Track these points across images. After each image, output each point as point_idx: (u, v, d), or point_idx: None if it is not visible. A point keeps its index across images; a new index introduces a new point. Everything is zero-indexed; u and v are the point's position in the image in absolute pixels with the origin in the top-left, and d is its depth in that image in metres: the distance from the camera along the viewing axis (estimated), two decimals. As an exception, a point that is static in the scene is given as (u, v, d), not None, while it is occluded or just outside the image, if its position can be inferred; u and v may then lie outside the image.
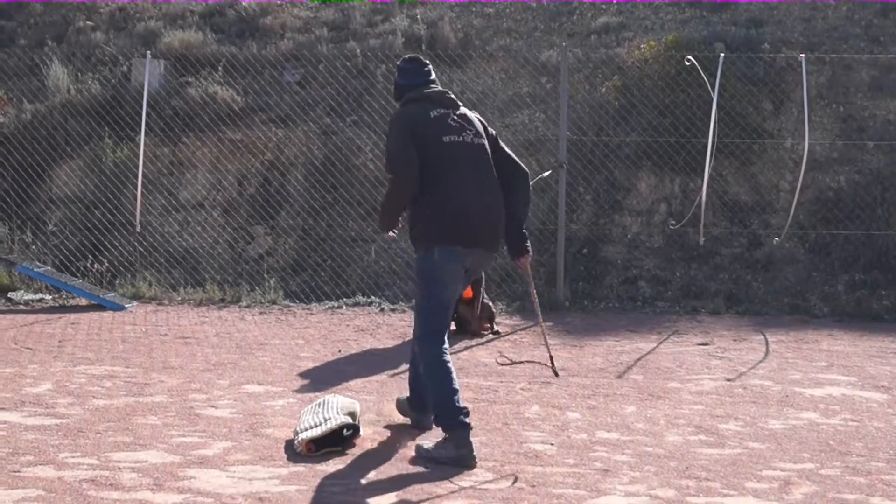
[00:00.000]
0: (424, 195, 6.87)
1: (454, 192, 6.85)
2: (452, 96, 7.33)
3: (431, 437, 6.80)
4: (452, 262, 6.84)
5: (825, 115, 15.41)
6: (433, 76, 7.38)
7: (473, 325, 11.40)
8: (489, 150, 7.14)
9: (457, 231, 6.82)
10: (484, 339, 11.18)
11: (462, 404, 6.59)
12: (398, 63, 7.39)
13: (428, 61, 7.41)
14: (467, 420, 6.54)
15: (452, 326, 11.50)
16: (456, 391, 6.64)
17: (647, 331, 11.92)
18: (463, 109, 7.29)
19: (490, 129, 7.35)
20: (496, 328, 11.61)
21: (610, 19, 17.69)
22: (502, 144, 7.30)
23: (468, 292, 11.21)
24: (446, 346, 6.84)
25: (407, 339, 11.32)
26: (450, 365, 6.75)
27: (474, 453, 6.45)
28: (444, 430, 6.57)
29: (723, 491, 5.90)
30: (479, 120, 7.31)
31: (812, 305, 13.44)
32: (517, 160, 7.29)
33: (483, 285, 11.49)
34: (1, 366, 9.28)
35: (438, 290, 6.87)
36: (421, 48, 16.81)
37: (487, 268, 6.71)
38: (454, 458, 6.41)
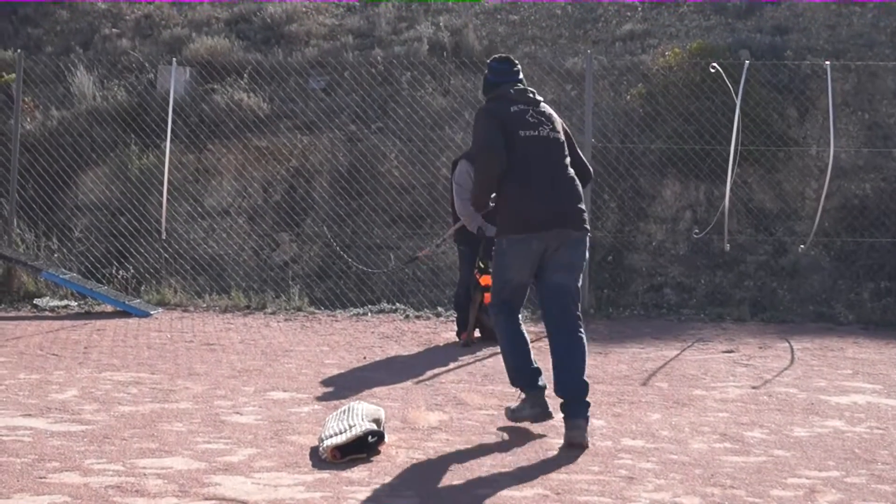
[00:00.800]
0: (501, 184, 7.41)
1: (525, 183, 7.34)
2: (534, 94, 7.72)
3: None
4: (518, 247, 7.38)
5: (850, 122, 15.36)
6: (521, 76, 7.81)
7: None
8: (564, 145, 7.58)
9: (523, 222, 7.34)
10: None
11: (535, 365, 7.49)
12: (489, 61, 7.97)
13: (517, 62, 7.89)
14: (541, 382, 7.42)
15: (477, 333, 11.52)
16: (528, 354, 7.54)
17: (672, 338, 11.89)
18: (543, 106, 7.68)
19: (567, 130, 7.76)
20: None
21: (635, 26, 17.68)
22: (576, 146, 7.75)
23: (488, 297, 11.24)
24: (519, 318, 7.71)
25: (431, 346, 11.33)
26: (523, 334, 7.61)
27: (549, 409, 7.35)
28: (521, 392, 7.50)
29: (748, 499, 5.88)
30: (557, 118, 7.72)
31: (837, 313, 13.40)
32: (586, 162, 7.83)
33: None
34: (27, 372, 9.32)
35: (503, 271, 7.57)
36: (445, 55, 16.83)
37: (580, 245, 7.28)
38: (531, 415, 7.37)
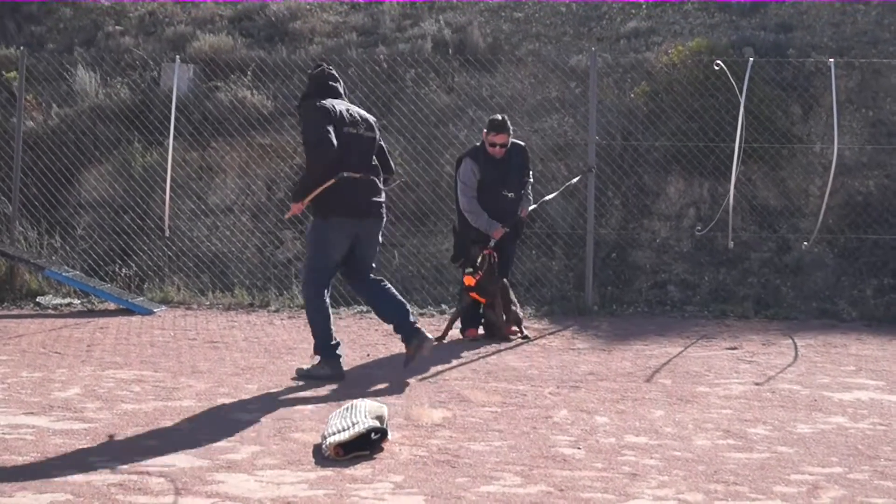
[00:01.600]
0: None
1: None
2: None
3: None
4: (339, 230, 8.98)
5: (854, 119, 15.34)
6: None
7: (501, 330, 11.40)
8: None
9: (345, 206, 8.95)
10: (513, 344, 11.17)
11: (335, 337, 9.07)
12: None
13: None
14: (339, 351, 9.09)
15: (481, 331, 11.52)
16: (329, 324, 9.03)
17: (675, 335, 11.89)
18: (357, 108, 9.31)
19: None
20: (525, 332, 11.59)
21: (639, 24, 17.66)
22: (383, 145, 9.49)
23: (485, 296, 11.27)
24: (327, 292, 9.10)
25: (434, 343, 11.32)
26: (327, 306, 9.07)
27: (343, 370, 9.06)
28: (321, 356, 9.07)
29: (751, 495, 5.87)
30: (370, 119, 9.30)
31: (841, 310, 13.39)
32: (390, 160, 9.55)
33: (510, 290, 11.49)
34: (29, 370, 9.32)
35: (324, 250, 8.99)
36: (449, 52, 16.83)
37: (376, 234, 9.28)
38: (328, 376, 8.97)
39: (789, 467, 6.47)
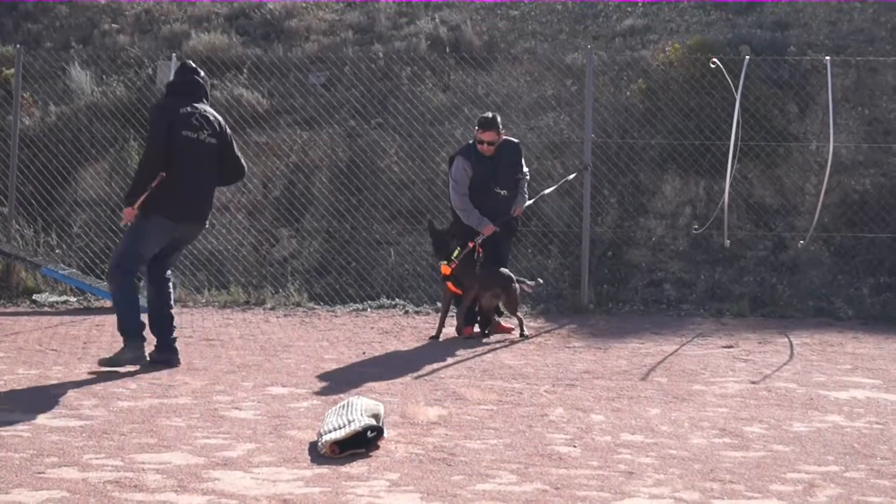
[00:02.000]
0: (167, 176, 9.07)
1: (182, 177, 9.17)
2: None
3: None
4: (160, 229, 9.25)
5: (850, 117, 15.35)
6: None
7: (492, 320, 11.47)
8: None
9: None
10: (508, 342, 11.18)
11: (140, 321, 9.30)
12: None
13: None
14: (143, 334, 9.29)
15: (476, 328, 11.53)
16: (134, 308, 9.27)
17: (671, 333, 11.89)
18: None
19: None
20: (525, 332, 11.59)
21: (635, 22, 17.67)
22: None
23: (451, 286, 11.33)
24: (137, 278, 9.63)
25: (430, 341, 11.32)
26: (134, 290, 9.38)
27: (144, 354, 9.27)
28: (124, 340, 9.24)
29: (747, 494, 5.88)
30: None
31: (837, 308, 13.40)
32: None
33: (514, 281, 11.48)
34: (26, 367, 9.32)
35: (140, 243, 9.20)
36: (445, 50, 16.82)
37: (193, 238, 9.95)
38: (129, 359, 9.15)
39: (785, 466, 6.48)
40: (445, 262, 11.23)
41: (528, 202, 11.97)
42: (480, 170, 11.31)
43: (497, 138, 11.36)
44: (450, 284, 11.36)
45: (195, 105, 9.35)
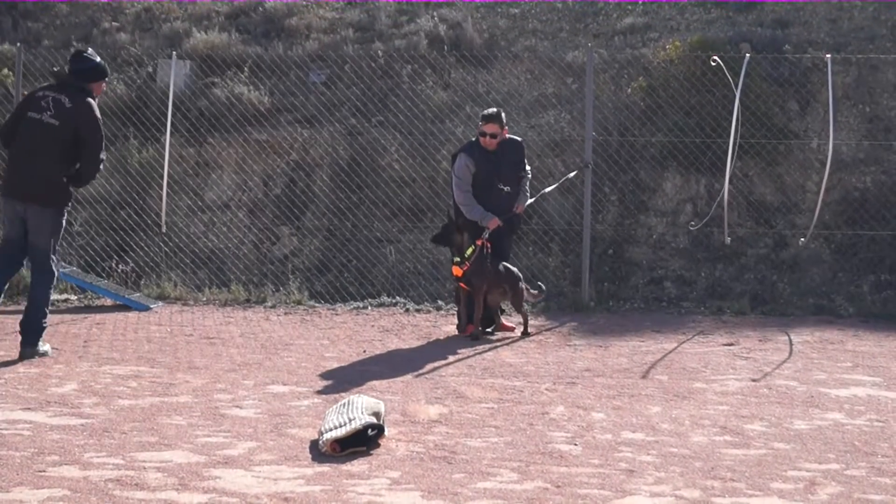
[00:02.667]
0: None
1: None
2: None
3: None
4: (8, 208, 9.63)
5: (851, 115, 15.35)
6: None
7: (497, 318, 11.45)
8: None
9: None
10: (509, 340, 11.18)
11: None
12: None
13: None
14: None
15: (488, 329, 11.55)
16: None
17: (672, 331, 11.89)
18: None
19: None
20: (529, 330, 11.58)
21: (635, 20, 17.66)
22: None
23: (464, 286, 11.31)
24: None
25: (431, 339, 11.32)
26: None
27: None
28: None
29: (748, 491, 5.88)
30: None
31: (837, 306, 13.39)
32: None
33: (521, 280, 11.47)
34: (26, 366, 9.32)
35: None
36: (446, 49, 16.82)
37: (41, 223, 9.67)
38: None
39: (786, 464, 6.48)
40: (458, 264, 11.20)
41: (530, 200, 11.99)
42: (483, 166, 11.32)
43: (499, 132, 11.38)
44: (463, 285, 11.35)
45: (53, 89, 9.68)
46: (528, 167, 11.81)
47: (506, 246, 11.77)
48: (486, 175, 11.34)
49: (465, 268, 11.17)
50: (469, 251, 11.15)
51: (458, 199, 11.40)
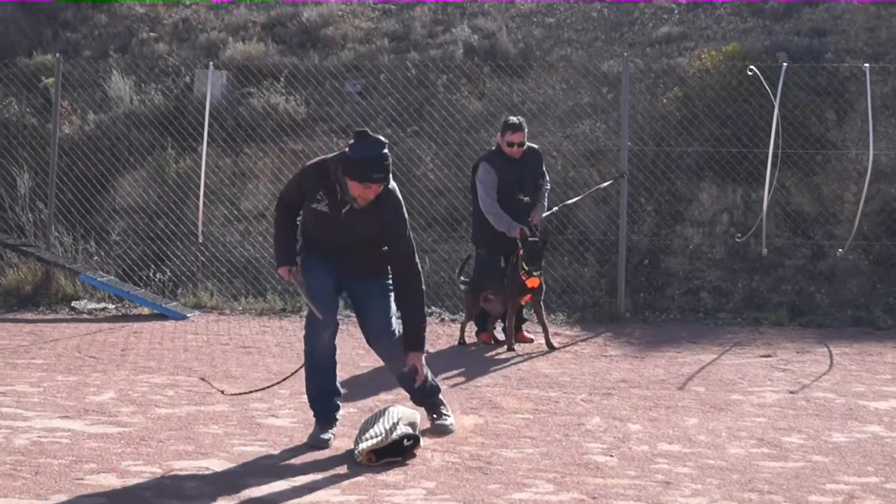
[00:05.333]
0: None
1: None
2: None
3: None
4: None
5: (890, 125, 15.24)
6: None
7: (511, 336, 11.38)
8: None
9: None
10: (545, 351, 11.15)
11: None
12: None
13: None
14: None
15: (498, 335, 11.52)
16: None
17: (708, 342, 11.84)
18: None
19: None
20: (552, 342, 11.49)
21: (671, 29, 17.61)
22: None
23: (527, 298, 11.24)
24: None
25: (466, 349, 11.30)
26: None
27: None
28: None
29: (786, 504, 5.85)
30: None
31: (876, 317, 13.30)
32: None
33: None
34: (64, 374, 9.38)
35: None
36: (481, 58, 16.82)
37: None
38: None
39: (824, 477, 6.44)
40: (538, 274, 11.12)
41: (551, 211, 11.98)
42: (505, 175, 11.31)
43: (524, 140, 11.38)
44: (528, 297, 11.29)
45: None
46: (546, 176, 11.80)
47: None
48: (508, 184, 11.32)
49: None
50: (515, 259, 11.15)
51: (484, 207, 11.35)
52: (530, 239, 11.08)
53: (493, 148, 11.69)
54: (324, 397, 7.31)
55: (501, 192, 11.31)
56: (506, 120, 11.63)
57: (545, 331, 11.32)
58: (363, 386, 9.14)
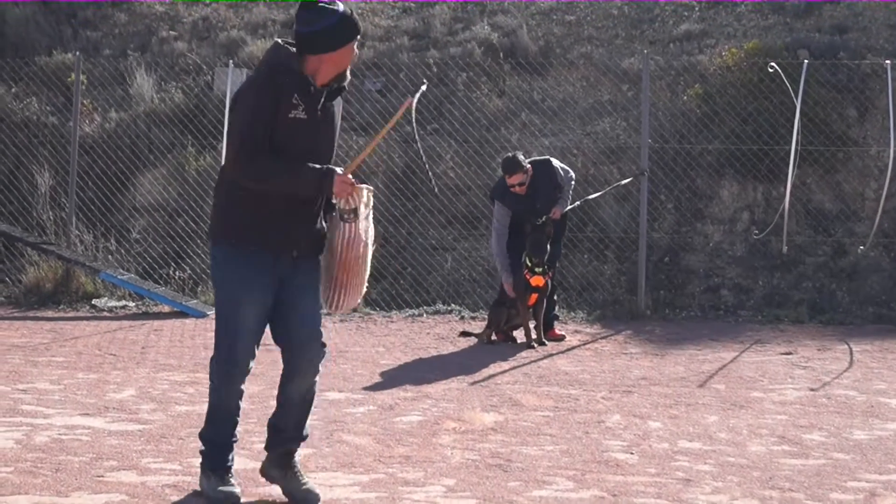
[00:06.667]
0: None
1: None
2: None
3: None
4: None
5: (911, 121, 15.18)
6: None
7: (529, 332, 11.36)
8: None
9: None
10: (564, 347, 11.14)
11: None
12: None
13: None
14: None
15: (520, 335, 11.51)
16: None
17: (729, 340, 11.81)
18: None
19: None
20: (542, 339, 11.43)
21: (692, 26, 17.57)
22: None
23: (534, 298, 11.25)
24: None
25: (486, 347, 11.30)
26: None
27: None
28: None
29: (807, 502, 5.82)
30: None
31: (897, 315, 13.26)
32: None
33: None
34: (85, 372, 9.40)
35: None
36: (501, 56, 16.81)
37: None
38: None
39: (846, 474, 6.41)
40: (541, 272, 11.14)
41: (573, 205, 11.97)
42: (517, 208, 11.33)
43: (524, 178, 11.30)
44: (536, 296, 11.31)
45: None
46: (571, 174, 11.75)
47: (556, 252, 11.77)
48: (522, 213, 11.32)
49: (548, 276, 11.21)
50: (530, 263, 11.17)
51: (491, 246, 11.65)
52: (536, 225, 11.12)
53: (500, 178, 11.67)
54: (226, 448, 5.85)
55: (517, 221, 11.32)
56: (502, 161, 11.63)
57: (538, 327, 11.32)
58: (383, 384, 9.14)
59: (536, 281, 11.11)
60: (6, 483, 5.88)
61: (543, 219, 11.26)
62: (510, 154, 11.65)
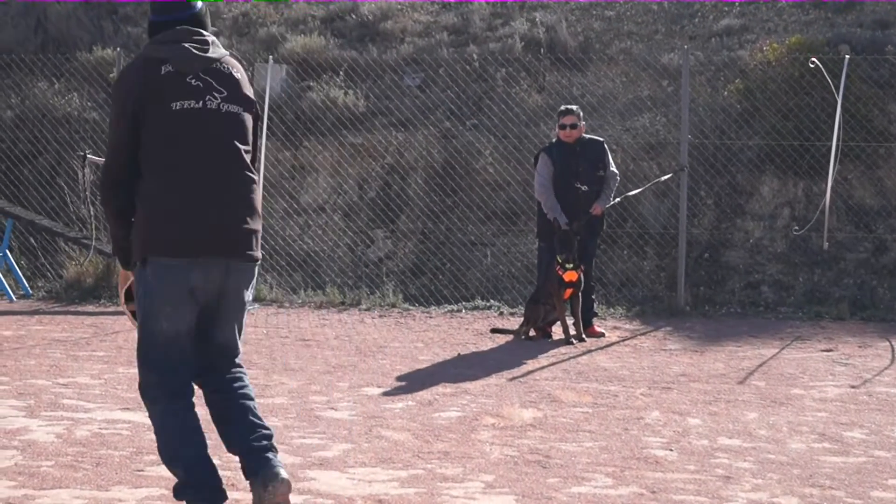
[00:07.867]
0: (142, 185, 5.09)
1: (178, 181, 5.08)
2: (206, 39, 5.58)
3: None
4: (170, 279, 5.09)
5: (953, 117, 15.07)
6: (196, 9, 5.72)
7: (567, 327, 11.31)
8: (246, 124, 5.36)
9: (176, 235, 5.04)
10: (603, 344, 11.12)
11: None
12: None
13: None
14: None
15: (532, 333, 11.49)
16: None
17: (769, 336, 11.76)
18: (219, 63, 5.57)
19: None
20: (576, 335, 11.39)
21: (732, 21, 17.48)
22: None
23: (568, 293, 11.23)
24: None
25: (525, 342, 11.29)
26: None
27: None
28: None
29: (847, 500, 5.79)
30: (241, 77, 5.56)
31: (940, 312, 13.16)
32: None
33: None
34: (125, 366, 9.45)
35: (152, 317, 5.20)
36: (540, 51, 16.79)
37: (245, 284, 5.59)
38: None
39: (887, 472, 6.37)
40: (572, 267, 11.14)
41: (613, 202, 11.97)
42: (562, 164, 11.42)
43: (577, 122, 11.56)
44: (571, 290, 11.31)
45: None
46: (613, 169, 11.76)
47: (591, 248, 11.79)
48: (564, 173, 11.39)
49: (580, 271, 11.21)
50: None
51: (537, 193, 11.58)
52: (563, 227, 11.14)
53: (553, 140, 11.86)
54: (206, 462, 5.25)
55: (559, 181, 11.41)
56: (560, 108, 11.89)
57: (577, 323, 11.31)
58: (421, 379, 9.15)
59: (570, 276, 11.10)
60: (47, 477, 5.92)
61: (576, 223, 11.27)
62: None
